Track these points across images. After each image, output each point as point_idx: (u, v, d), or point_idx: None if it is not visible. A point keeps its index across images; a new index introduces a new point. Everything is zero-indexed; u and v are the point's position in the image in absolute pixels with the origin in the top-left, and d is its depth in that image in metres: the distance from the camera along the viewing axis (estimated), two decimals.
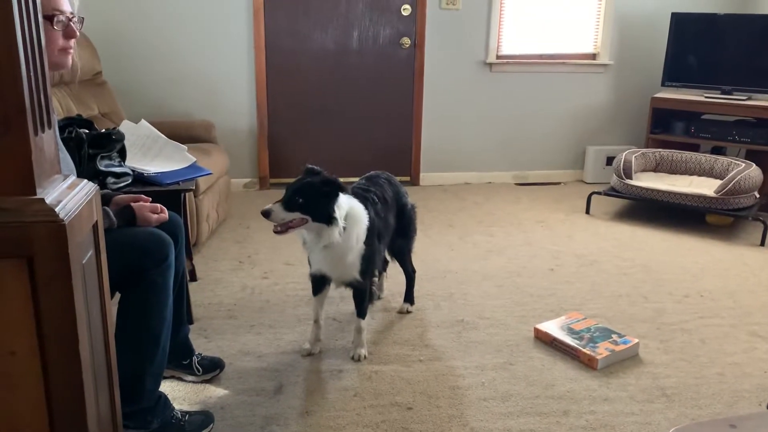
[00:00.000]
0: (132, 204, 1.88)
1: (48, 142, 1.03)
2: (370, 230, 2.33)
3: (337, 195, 2.20)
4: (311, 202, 2.17)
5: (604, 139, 5.26)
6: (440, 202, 4.56)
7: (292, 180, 2.11)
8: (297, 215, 2.18)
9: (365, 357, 2.42)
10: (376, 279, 2.73)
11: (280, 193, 2.23)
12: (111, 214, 1.79)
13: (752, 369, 2.43)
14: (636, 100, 5.16)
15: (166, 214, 1.94)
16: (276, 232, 2.20)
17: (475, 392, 2.24)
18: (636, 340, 2.52)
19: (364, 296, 2.43)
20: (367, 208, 2.35)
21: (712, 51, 4.69)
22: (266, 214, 2.18)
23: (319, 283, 2.45)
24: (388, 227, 2.55)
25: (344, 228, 2.23)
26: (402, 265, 2.83)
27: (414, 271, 2.87)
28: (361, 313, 2.44)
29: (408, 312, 2.80)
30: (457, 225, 4.05)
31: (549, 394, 2.24)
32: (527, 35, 4.96)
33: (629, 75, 5.14)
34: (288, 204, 2.18)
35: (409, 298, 2.86)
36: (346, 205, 2.26)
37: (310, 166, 2.32)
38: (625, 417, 2.11)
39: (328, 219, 2.18)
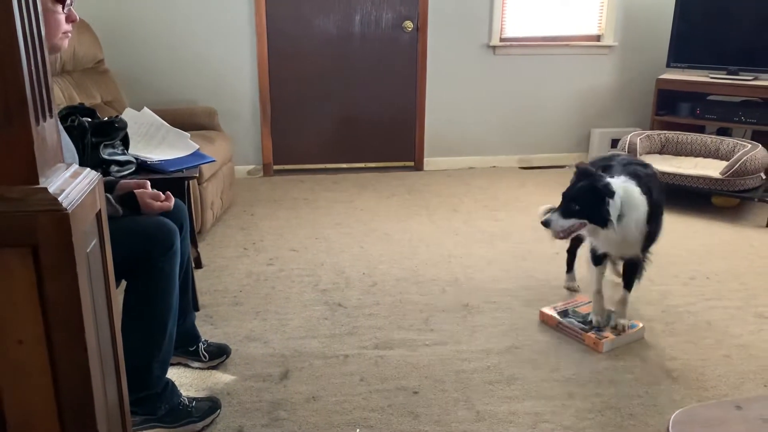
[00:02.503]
0: (135, 191, 1.89)
1: (50, 131, 1.03)
2: (651, 212, 2.33)
3: (608, 198, 2.24)
4: (586, 208, 2.26)
5: (609, 122, 5.23)
6: (445, 187, 4.55)
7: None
8: (575, 221, 2.28)
9: (626, 329, 2.46)
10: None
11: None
12: (113, 201, 1.80)
13: (758, 351, 2.43)
14: (641, 82, 5.13)
15: (170, 203, 1.93)
16: (558, 238, 2.35)
17: (481, 376, 2.25)
18: (641, 324, 2.52)
19: (636, 270, 2.49)
20: (644, 189, 2.34)
21: (717, 31, 4.63)
22: (546, 223, 2.30)
23: (599, 257, 2.52)
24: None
25: (620, 216, 2.26)
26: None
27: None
28: (628, 285, 2.50)
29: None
30: (461, 210, 4.05)
31: (554, 377, 2.25)
32: (531, 17, 4.92)
33: (634, 56, 5.10)
34: (565, 212, 2.29)
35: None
36: (622, 193, 2.28)
37: (582, 167, 2.37)
38: (631, 399, 2.12)
39: (603, 222, 2.26)
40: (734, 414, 1.11)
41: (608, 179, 2.29)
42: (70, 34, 1.71)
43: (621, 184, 2.30)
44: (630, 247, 2.39)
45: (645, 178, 2.39)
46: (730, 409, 1.12)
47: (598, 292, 2.54)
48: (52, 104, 1.03)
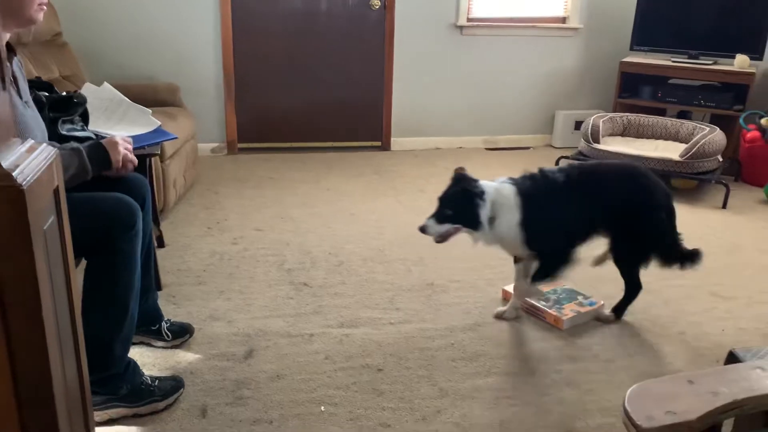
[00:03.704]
0: (101, 141, 1.87)
1: (2, 105, 1.00)
2: (530, 215, 2.27)
3: (479, 202, 2.23)
4: (458, 213, 2.27)
5: (573, 104, 5.29)
6: (411, 168, 4.56)
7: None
8: (449, 226, 2.27)
9: (505, 317, 2.47)
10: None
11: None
12: (84, 153, 1.79)
13: (711, 328, 2.51)
14: (605, 64, 5.19)
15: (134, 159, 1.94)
16: (437, 242, 2.32)
17: (444, 353, 2.28)
18: (601, 302, 2.58)
19: (543, 264, 2.37)
20: (525, 191, 2.29)
21: (680, 15, 4.71)
22: (422, 229, 2.30)
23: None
24: (577, 216, 2.35)
25: (492, 218, 2.26)
26: (621, 274, 2.51)
27: (638, 288, 2.51)
28: (534, 275, 2.39)
29: (609, 321, 2.53)
30: (428, 190, 4.06)
31: (516, 354, 2.29)
32: None
33: (599, 39, 5.15)
34: (439, 217, 2.28)
35: (618, 309, 2.54)
36: (494, 195, 2.27)
37: (458, 171, 2.36)
38: (590, 375, 2.17)
39: (475, 225, 2.26)
40: (686, 388, 1.14)
41: (481, 183, 2.29)
42: (45, 7, 1.68)
43: (495, 186, 2.31)
44: (513, 248, 2.38)
45: (536, 182, 2.32)
46: (683, 384, 1.16)
47: (517, 281, 2.52)
48: (4, 76, 1.00)
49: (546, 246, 2.35)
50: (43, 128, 1.82)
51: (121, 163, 1.87)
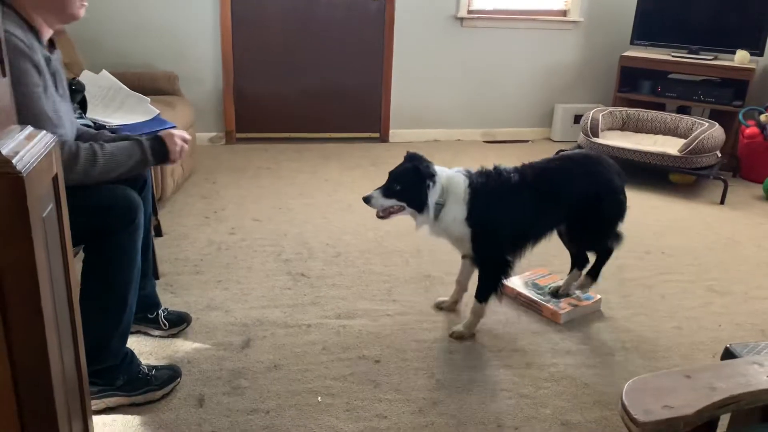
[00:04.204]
0: (159, 134, 1.88)
1: (2, 91, 0.99)
2: (475, 212, 2.22)
3: (429, 183, 2.19)
4: (406, 190, 2.21)
5: (573, 98, 5.27)
6: None
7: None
8: (395, 202, 2.23)
9: (459, 336, 2.33)
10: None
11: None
12: (144, 144, 1.81)
13: (708, 323, 2.52)
14: (605, 58, 5.17)
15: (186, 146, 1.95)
16: (379, 218, 2.27)
17: (441, 345, 2.28)
18: (598, 297, 2.59)
19: (482, 276, 2.34)
20: (475, 187, 2.22)
21: (680, 10, 4.70)
22: (367, 200, 2.25)
23: None
24: (532, 216, 2.32)
25: (440, 205, 2.21)
26: (591, 252, 2.57)
27: (609, 252, 2.54)
28: (477, 293, 2.34)
29: (588, 286, 2.59)
30: None
31: (513, 347, 2.29)
32: None
33: (599, 32, 5.13)
34: (386, 191, 2.23)
35: (593, 273, 2.58)
36: (446, 182, 2.22)
37: (411, 152, 2.32)
38: (586, 369, 2.18)
39: (420, 207, 2.21)
40: (684, 383, 1.15)
41: (435, 167, 2.24)
42: (86, 3, 1.73)
43: (448, 173, 2.25)
44: (460, 243, 2.33)
45: (488, 179, 2.25)
46: (680, 378, 1.16)
47: (457, 282, 2.52)
48: (4, 62, 0.99)
49: (487, 251, 2.30)
50: (73, 120, 1.85)
51: (178, 155, 1.89)
